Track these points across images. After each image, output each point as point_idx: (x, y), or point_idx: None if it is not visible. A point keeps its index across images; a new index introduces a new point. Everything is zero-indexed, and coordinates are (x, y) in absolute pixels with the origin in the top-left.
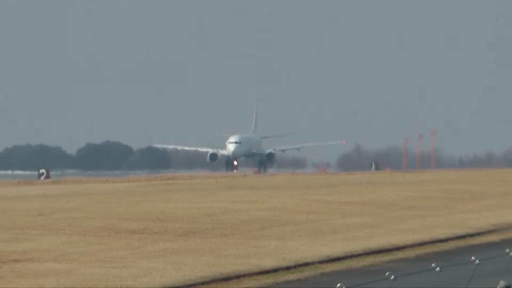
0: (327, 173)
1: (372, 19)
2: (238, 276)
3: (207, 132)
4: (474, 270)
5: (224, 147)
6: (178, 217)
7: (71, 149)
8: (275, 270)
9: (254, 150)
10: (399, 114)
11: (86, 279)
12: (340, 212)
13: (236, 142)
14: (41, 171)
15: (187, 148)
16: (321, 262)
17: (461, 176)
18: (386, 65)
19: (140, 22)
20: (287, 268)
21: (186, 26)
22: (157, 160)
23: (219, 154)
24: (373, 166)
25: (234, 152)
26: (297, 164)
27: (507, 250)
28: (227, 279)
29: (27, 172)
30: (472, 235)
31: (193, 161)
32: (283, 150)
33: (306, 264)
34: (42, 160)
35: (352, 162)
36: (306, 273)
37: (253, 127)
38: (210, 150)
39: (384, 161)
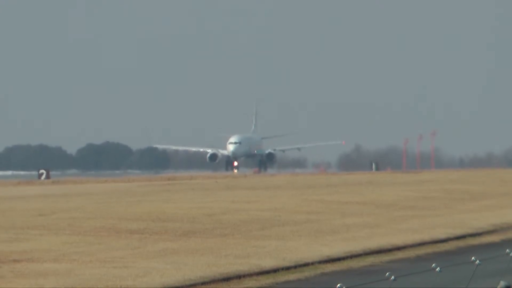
0: (327, 173)
1: (372, 19)
2: (238, 276)
3: (207, 132)
4: (474, 270)
5: (224, 147)
6: (178, 217)
7: (71, 149)
8: (275, 270)
9: (255, 151)
10: (399, 114)
11: (86, 279)
12: (340, 212)
13: (236, 142)
14: (41, 171)
15: (187, 149)
16: (321, 262)
17: (461, 176)
18: (386, 65)
19: (140, 22)
20: (287, 268)
21: (186, 26)
22: (157, 160)
23: (219, 154)
24: (373, 166)
25: (234, 152)
26: (297, 164)
27: (507, 250)
28: (227, 279)
29: (27, 172)
30: (472, 235)
31: (193, 161)
32: (283, 150)
33: (306, 264)
34: (42, 160)
35: (352, 162)
36: (306, 273)
37: (253, 127)
38: (210, 151)
39: (384, 161)
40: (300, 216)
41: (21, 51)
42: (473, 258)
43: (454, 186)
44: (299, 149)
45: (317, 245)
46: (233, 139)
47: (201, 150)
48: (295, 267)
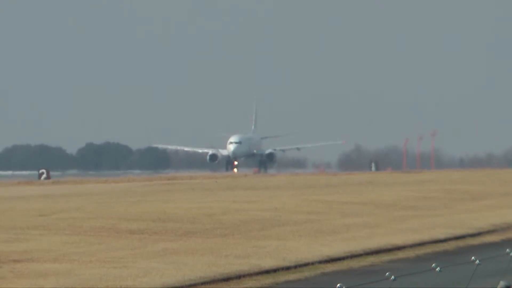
0: (327, 173)
1: (372, 19)
2: (238, 276)
3: (207, 132)
4: (474, 270)
5: (224, 147)
6: (178, 217)
7: (71, 149)
8: (275, 270)
9: (255, 151)
10: (399, 114)
11: (86, 279)
12: (340, 212)
13: (236, 142)
14: (41, 171)
15: (187, 149)
16: (321, 262)
17: (461, 176)
18: (386, 65)
19: (140, 22)
20: (287, 268)
21: (186, 26)
22: (157, 160)
23: (219, 154)
24: (373, 166)
25: (234, 152)
26: (297, 164)
27: (507, 250)
28: (227, 279)
29: (27, 172)
30: (472, 235)
31: (193, 162)
32: (283, 150)
33: (306, 264)
34: (42, 160)
35: (352, 162)
36: (306, 273)
37: (253, 127)
38: (210, 151)
39: (384, 161)
40: (300, 216)
41: (21, 51)
42: (473, 258)
43: (454, 186)
44: (299, 149)
45: (317, 245)
46: (233, 139)
47: (201, 150)
48: (295, 267)
